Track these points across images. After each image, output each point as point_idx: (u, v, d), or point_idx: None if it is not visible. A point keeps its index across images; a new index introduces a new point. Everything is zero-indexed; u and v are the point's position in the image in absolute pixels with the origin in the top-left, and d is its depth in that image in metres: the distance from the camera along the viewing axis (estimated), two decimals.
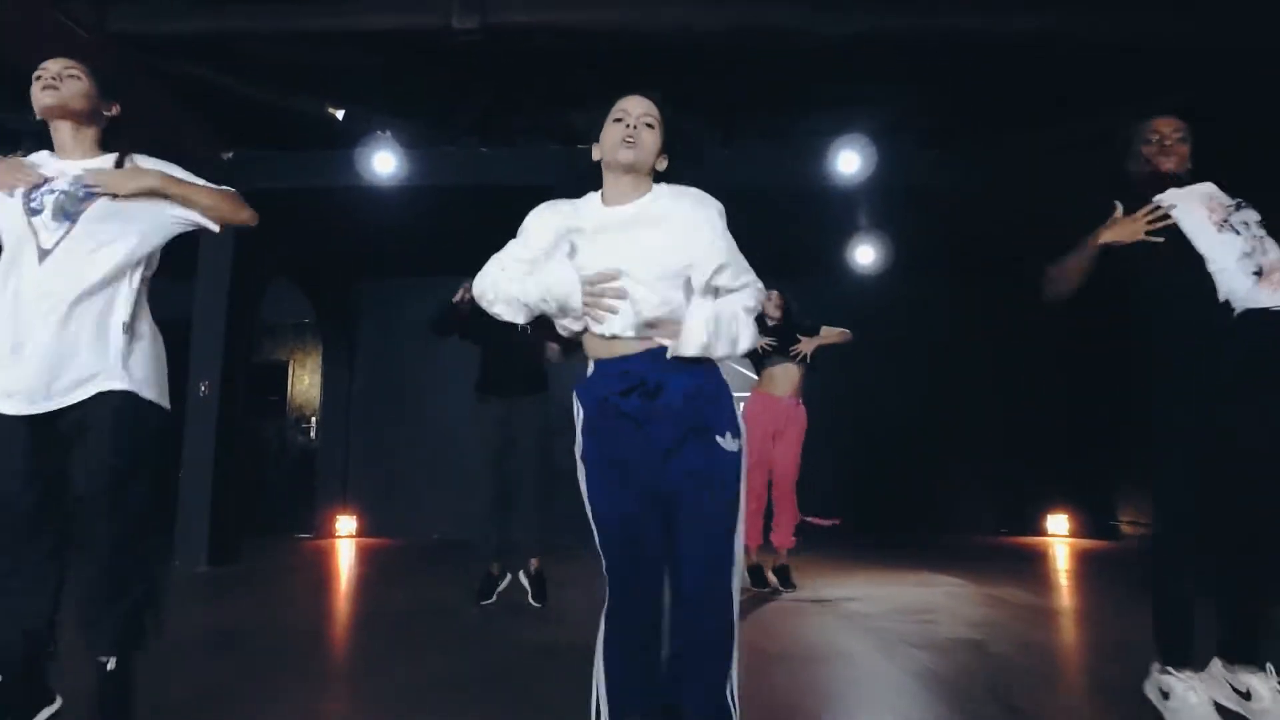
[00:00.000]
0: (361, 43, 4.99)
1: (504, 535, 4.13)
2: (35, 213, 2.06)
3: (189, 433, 5.86)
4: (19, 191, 2.08)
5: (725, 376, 1.79)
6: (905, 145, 6.65)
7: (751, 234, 6.70)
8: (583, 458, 1.78)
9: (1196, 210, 2.35)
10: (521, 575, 4.18)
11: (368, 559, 6.68)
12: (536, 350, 4.08)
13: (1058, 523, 7.98)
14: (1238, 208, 2.37)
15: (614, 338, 1.71)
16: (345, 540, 7.85)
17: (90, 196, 2.09)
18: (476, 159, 6.12)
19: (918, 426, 8.11)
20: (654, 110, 1.84)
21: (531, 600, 4.13)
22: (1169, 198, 2.40)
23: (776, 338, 4.68)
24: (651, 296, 1.69)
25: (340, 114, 5.60)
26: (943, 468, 8.16)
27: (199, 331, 6.00)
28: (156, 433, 2.16)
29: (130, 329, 2.12)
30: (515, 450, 4.08)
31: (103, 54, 4.54)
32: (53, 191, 2.08)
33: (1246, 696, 2.16)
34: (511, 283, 1.82)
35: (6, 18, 4.23)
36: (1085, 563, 6.32)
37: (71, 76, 2.16)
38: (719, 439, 1.69)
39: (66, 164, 2.14)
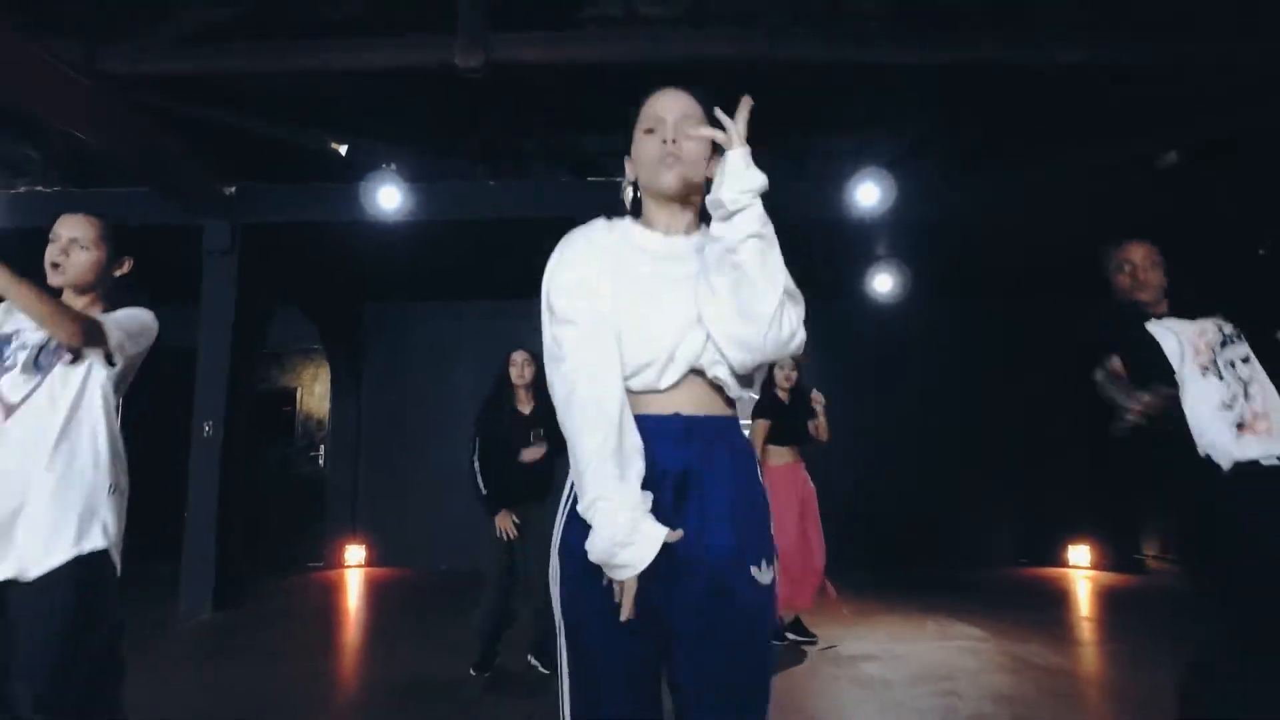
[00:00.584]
0: (363, 79, 4.87)
1: (496, 643, 3.97)
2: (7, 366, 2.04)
3: (193, 472, 5.76)
4: None
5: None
6: (925, 171, 6.47)
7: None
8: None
9: (1180, 348, 2.33)
10: (531, 656, 4.03)
11: (375, 597, 6.57)
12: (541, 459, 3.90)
13: (1079, 554, 7.75)
14: (1225, 344, 2.26)
15: None
16: (354, 570, 7.75)
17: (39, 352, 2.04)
18: (484, 192, 5.99)
19: (937, 454, 7.91)
20: (697, 109, 1.44)
21: (535, 663, 4.00)
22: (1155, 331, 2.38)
23: (783, 415, 4.54)
24: None
25: (343, 149, 5.48)
26: (961, 496, 7.96)
27: (204, 363, 5.88)
28: None
29: None
30: (525, 556, 3.89)
31: (93, 91, 4.45)
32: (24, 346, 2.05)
33: None
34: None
35: None
36: (1111, 603, 6.11)
37: (81, 249, 2.15)
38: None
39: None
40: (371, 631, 5.46)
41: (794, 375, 4.64)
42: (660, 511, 1.27)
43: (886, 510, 7.76)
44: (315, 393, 8.62)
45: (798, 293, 1.35)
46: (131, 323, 2.16)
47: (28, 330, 2.06)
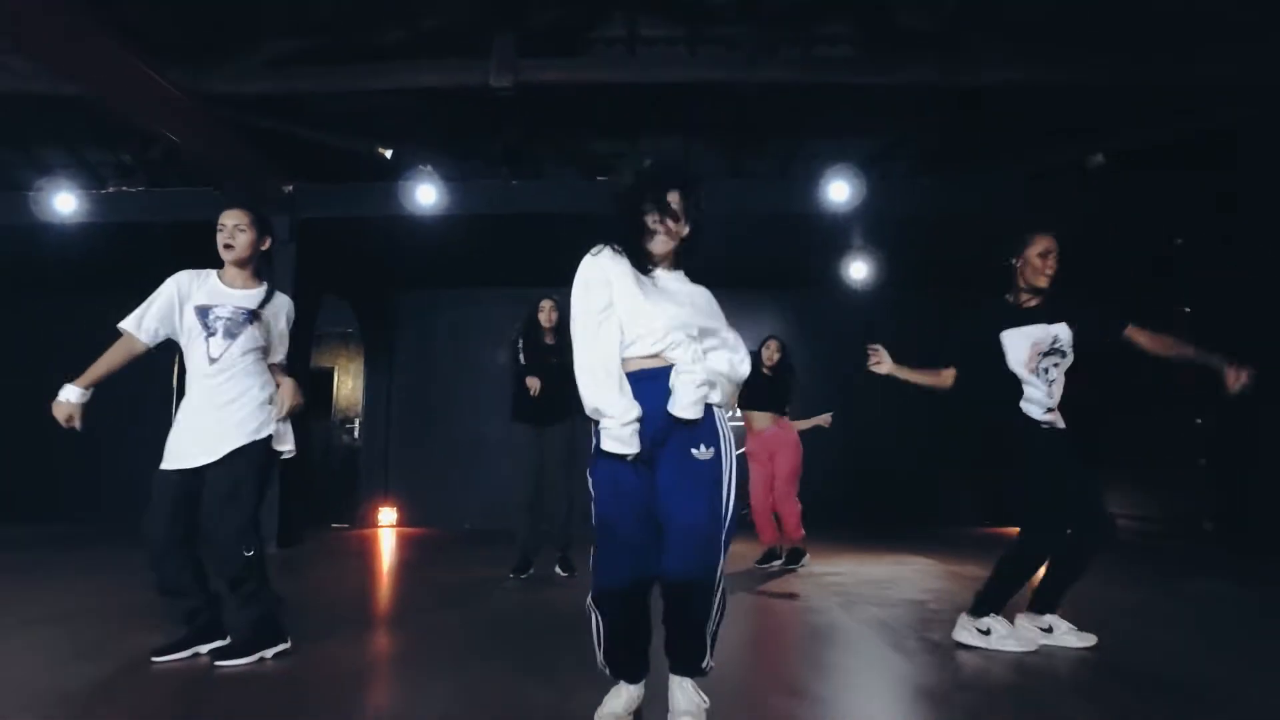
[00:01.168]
0: (411, 96, 5.81)
1: (533, 531, 4.98)
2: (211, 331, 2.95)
3: None
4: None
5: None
6: (894, 172, 7.39)
7: (758, 254, 7.78)
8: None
9: (1021, 350, 3.11)
10: (557, 567, 5.01)
11: (412, 543, 7.49)
12: (561, 385, 4.70)
13: None
14: (1049, 354, 3.08)
15: None
16: (387, 530, 8.67)
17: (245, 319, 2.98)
18: (507, 190, 6.91)
19: (909, 430, 8.79)
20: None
21: (559, 570, 4.94)
22: (1006, 337, 3.15)
23: (771, 386, 5.41)
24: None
25: (389, 153, 6.41)
26: (931, 467, 8.85)
27: None
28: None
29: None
30: (545, 467, 4.91)
31: (191, 108, 5.39)
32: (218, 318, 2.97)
33: (1048, 630, 3.11)
34: None
35: (118, 83, 5.07)
36: None
37: (242, 231, 3.02)
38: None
39: (232, 293, 3.00)
40: (417, 559, 6.37)
41: (776, 356, 5.51)
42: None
43: (864, 476, 8.67)
44: (350, 372, 9.55)
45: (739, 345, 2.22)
46: (287, 328, 3.16)
47: (220, 306, 2.97)
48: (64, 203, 6.48)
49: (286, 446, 3.02)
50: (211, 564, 2.90)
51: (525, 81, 5.39)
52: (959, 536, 7.82)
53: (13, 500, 8.63)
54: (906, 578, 4.97)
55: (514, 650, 3.07)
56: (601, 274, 2.19)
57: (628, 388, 2.11)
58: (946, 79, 5.53)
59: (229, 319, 2.95)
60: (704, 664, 2.10)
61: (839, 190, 6.49)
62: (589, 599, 2.16)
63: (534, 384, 4.81)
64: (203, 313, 2.95)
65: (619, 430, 2.06)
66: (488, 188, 6.94)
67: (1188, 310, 6.74)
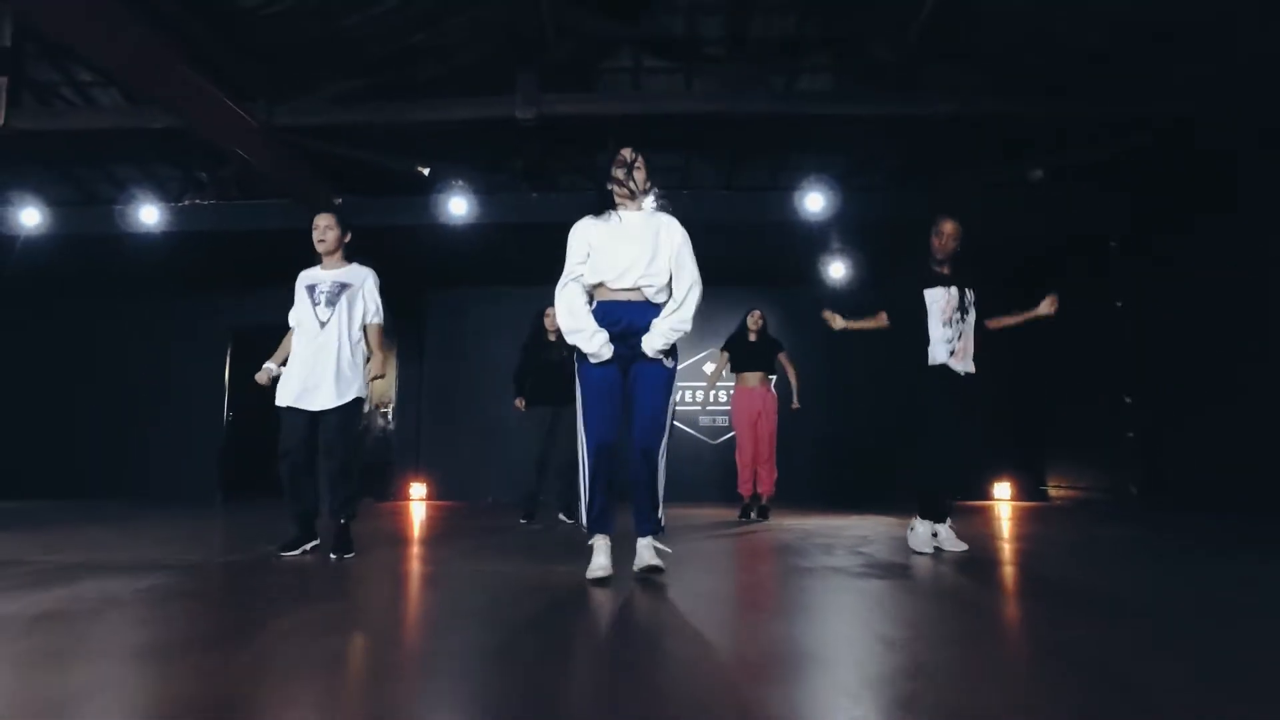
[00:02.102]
0: (447, 125, 6.84)
1: (539, 491, 6.17)
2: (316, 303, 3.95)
3: None
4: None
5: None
6: (874, 183, 8.38)
7: (749, 257, 9.07)
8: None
9: (938, 303, 4.11)
10: (561, 515, 6.12)
11: (441, 513, 8.53)
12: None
13: (1002, 489, 9.62)
14: (959, 307, 4.09)
15: None
16: (418, 503, 9.71)
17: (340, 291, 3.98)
18: (527, 202, 7.94)
19: (885, 413, 9.76)
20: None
21: (563, 517, 6.09)
22: (930, 295, 4.14)
23: (757, 348, 6.41)
24: None
25: (426, 171, 7.44)
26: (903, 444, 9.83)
27: None
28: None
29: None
30: (555, 442, 6.06)
31: (264, 135, 6.44)
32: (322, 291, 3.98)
33: (935, 536, 4.15)
34: None
35: (206, 115, 6.11)
36: (1001, 515, 7.99)
37: (330, 229, 4.02)
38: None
39: (328, 273, 4.01)
40: (443, 525, 7.39)
41: (761, 321, 6.49)
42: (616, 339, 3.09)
43: (843, 455, 9.66)
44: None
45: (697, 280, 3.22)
46: (376, 290, 4.15)
47: (323, 283, 3.99)
48: (148, 215, 7.54)
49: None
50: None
51: (546, 114, 6.41)
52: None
53: (88, 479, 9.72)
54: (863, 529, 5.96)
55: (520, 553, 4.10)
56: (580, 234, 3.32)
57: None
58: (907, 110, 6.53)
59: (329, 292, 3.96)
60: (659, 518, 3.10)
61: (814, 201, 7.49)
62: (581, 460, 3.10)
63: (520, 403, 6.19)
64: (310, 290, 3.99)
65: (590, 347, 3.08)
66: (510, 200, 7.97)
67: (1119, 305, 7.71)
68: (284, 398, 3.94)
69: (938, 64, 6.60)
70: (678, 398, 3.25)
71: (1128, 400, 7.68)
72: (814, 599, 2.90)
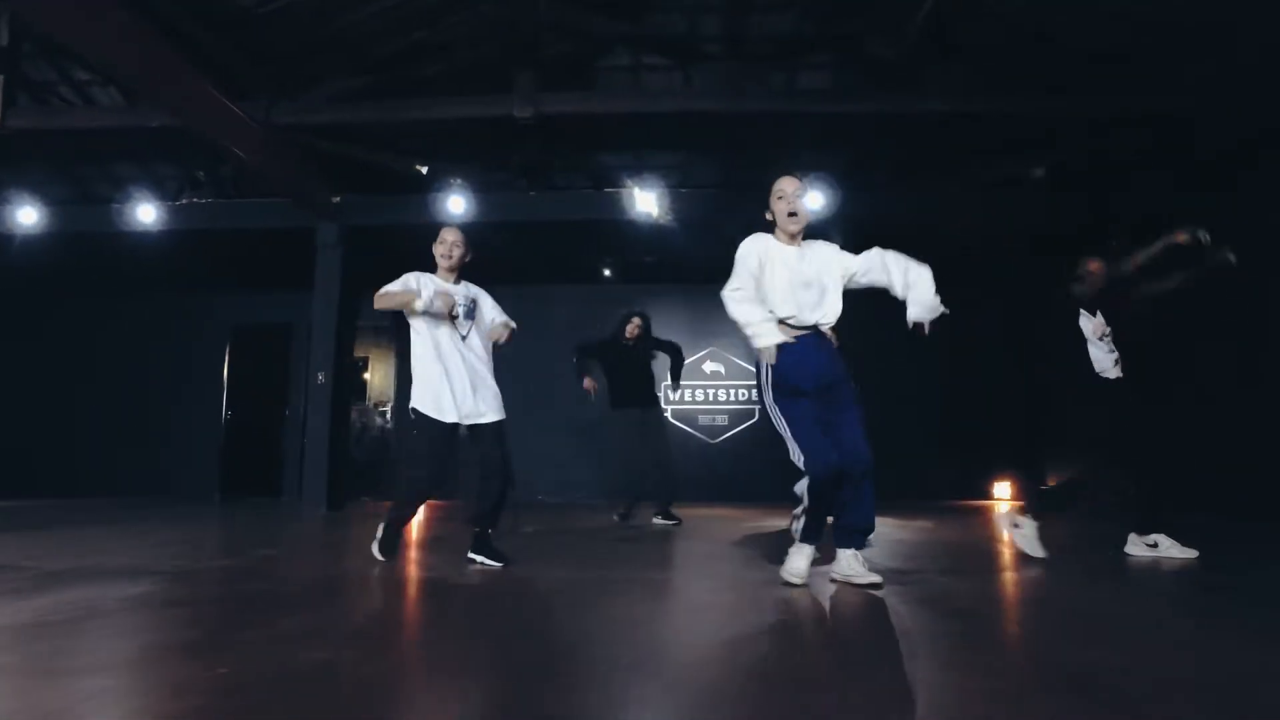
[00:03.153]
0: (446, 124, 6.81)
1: (639, 490, 6.29)
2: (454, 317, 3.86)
3: (311, 411, 7.73)
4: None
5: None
6: (875, 180, 8.33)
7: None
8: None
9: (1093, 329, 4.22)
10: (657, 519, 6.20)
11: (442, 512, 8.52)
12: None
13: (1002, 489, 9.60)
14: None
15: None
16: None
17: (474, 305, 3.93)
18: (525, 200, 7.92)
19: (888, 413, 9.74)
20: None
21: (665, 522, 6.14)
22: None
23: None
24: None
25: (425, 170, 7.41)
26: (908, 446, 9.80)
27: (317, 329, 7.86)
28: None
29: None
30: (649, 441, 6.19)
31: (264, 135, 6.42)
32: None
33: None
34: None
35: (205, 114, 6.08)
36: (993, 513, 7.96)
37: (458, 247, 3.95)
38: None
39: (450, 287, 3.90)
40: (442, 527, 7.39)
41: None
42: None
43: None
44: (383, 361, 10.59)
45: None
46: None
47: (455, 294, 3.88)
48: (145, 213, 7.52)
49: None
50: None
51: (544, 113, 6.38)
52: (925, 509, 8.78)
53: (87, 478, 9.72)
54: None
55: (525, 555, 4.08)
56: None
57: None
58: (903, 108, 6.50)
59: (464, 305, 3.89)
60: (868, 537, 3.20)
61: (813, 200, 7.45)
62: (805, 489, 3.13)
63: (590, 384, 6.28)
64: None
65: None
66: (508, 198, 7.94)
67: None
68: (440, 412, 3.83)
69: (936, 62, 6.57)
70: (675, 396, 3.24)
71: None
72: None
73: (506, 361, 9.52)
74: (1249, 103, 6.01)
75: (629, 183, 7.51)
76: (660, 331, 10.21)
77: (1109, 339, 4.19)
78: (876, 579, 3.08)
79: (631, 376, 6.24)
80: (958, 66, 6.67)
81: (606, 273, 9.59)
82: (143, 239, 7.97)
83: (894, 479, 9.82)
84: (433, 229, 8.00)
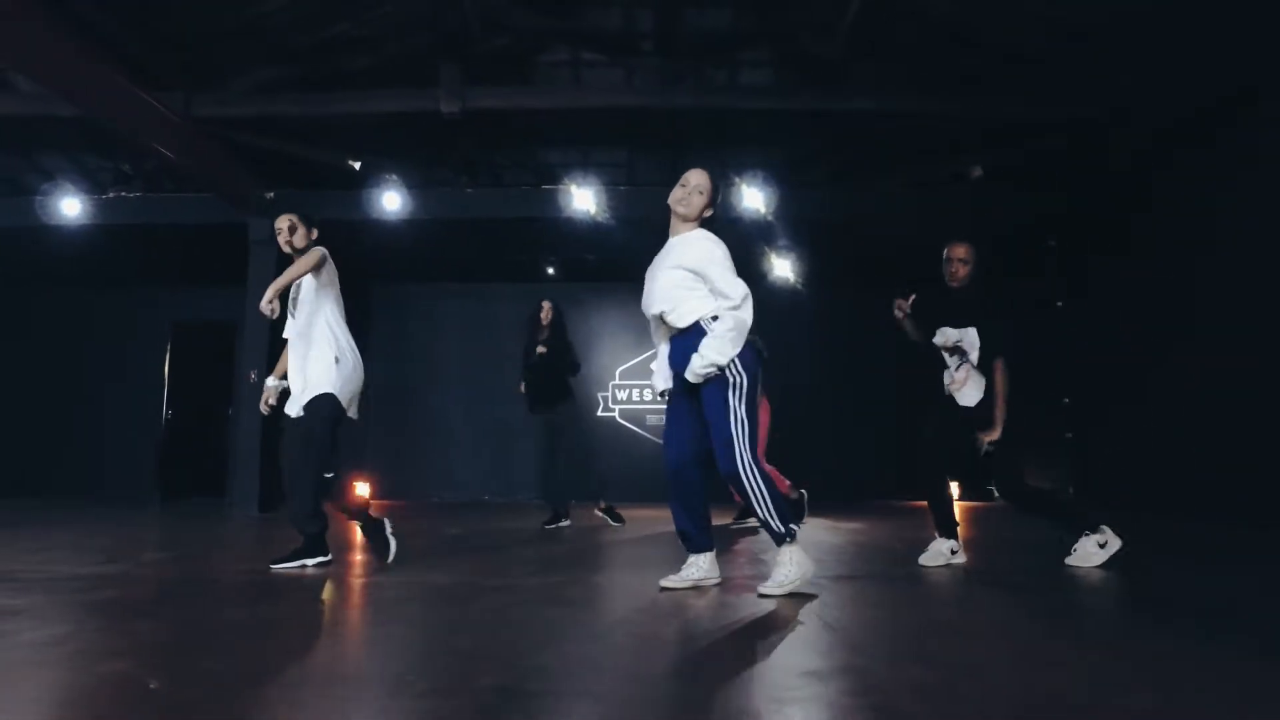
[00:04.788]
0: (374, 117, 6.69)
1: (553, 491, 6.14)
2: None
3: (242, 410, 7.57)
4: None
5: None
6: (815, 178, 8.30)
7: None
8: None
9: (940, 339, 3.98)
10: (597, 511, 6.19)
11: (395, 511, 8.38)
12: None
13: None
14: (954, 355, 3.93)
15: None
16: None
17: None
18: (463, 197, 7.80)
19: (836, 413, 9.73)
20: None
21: (613, 523, 6.04)
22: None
23: None
24: None
25: (357, 165, 7.28)
26: (859, 446, 9.80)
27: (249, 327, 7.71)
28: None
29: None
30: (561, 441, 6.06)
31: (185, 128, 6.26)
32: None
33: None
34: None
35: (119, 107, 5.92)
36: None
37: (294, 229, 3.83)
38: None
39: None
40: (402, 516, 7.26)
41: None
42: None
43: (803, 461, 9.59)
44: None
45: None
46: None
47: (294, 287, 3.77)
48: (70, 207, 7.33)
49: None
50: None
51: (472, 108, 6.28)
52: (874, 508, 8.77)
53: (19, 478, 9.49)
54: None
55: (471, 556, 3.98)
56: None
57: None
58: (830, 105, 6.47)
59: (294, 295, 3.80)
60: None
61: (752, 197, 7.41)
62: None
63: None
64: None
65: None
66: (445, 194, 7.83)
67: (1059, 305, 7.70)
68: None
69: (866, 61, 6.54)
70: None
71: (1066, 401, 7.68)
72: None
73: (451, 360, 9.44)
74: (1160, 105, 6.04)
75: (566, 180, 7.41)
76: (608, 329, 10.14)
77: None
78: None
79: (538, 376, 6.08)
80: (886, 66, 6.66)
81: (550, 271, 9.49)
82: (76, 232, 7.77)
83: (844, 481, 9.91)
84: (368, 225, 7.96)
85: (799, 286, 8.80)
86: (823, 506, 7.67)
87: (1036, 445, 8.22)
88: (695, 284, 2.99)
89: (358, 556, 4.30)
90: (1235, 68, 5.37)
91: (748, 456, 2.94)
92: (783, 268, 8.64)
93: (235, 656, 2.08)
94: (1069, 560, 3.71)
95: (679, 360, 3.04)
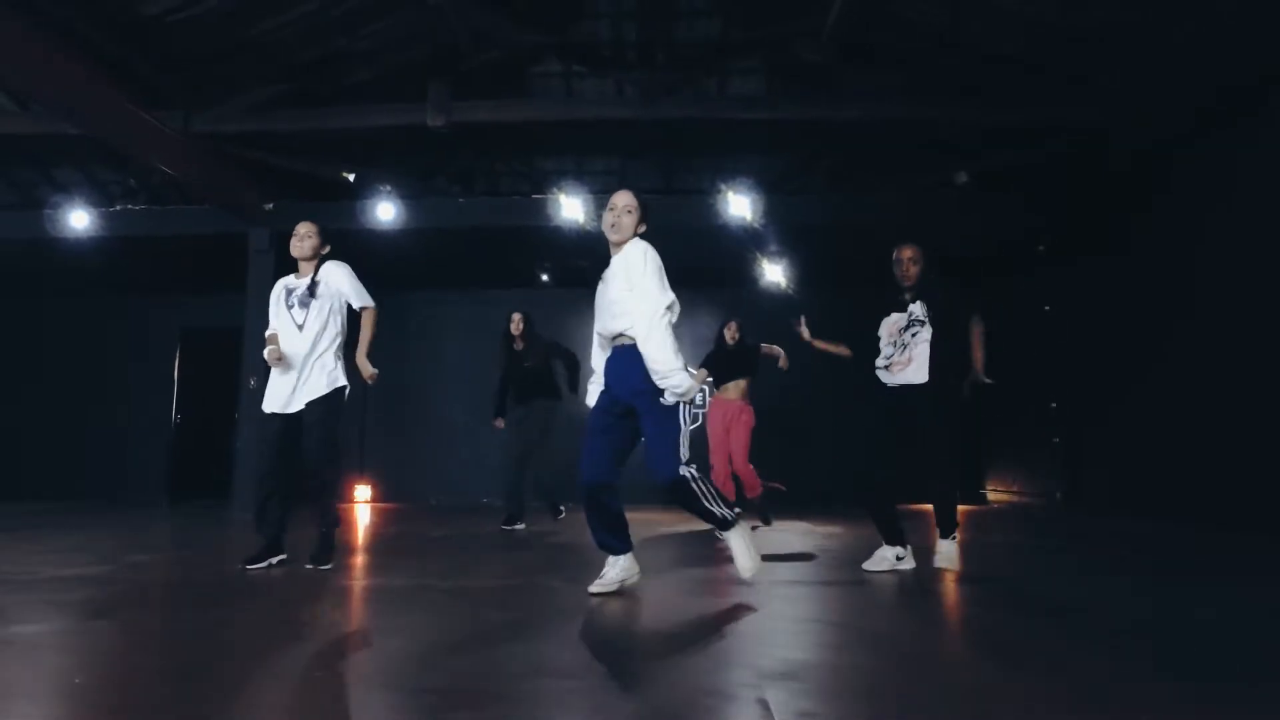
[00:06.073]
0: (366, 132, 6.87)
1: (518, 493, 6.24)
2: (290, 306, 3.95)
3: (242, 413, 7.78)
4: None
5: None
6: (811, 185, 8.37)
7: (693, 262, 8.86)
8: None
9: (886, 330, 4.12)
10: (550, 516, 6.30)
11: (390, 514, 8.58)
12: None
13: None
14: (907, 328, 4.05)
15: None
16: (363, 504, 9.77)
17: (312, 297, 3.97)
18: (456, 206, 7.97)
19: (832, 415, 9.79)
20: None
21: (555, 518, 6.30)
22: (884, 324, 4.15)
23: (736, 355, 6.28)
24: None
25: (351, 177, 7.47)
26: (853, 449, 9.83)
27: (249, 339, 7.92)
28: None
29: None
30: (534, 440, 6.19)
31: (186, 144, 6.48)
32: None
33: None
34: None
35: (120, 126, 6.13)
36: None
37: (309, 238, 4.02)
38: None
39: (303, 280, 4.00)
40: (395, 519, 7.44)
41: (737, 335, 6.34)
42: None
43: (796, 461, 9.67)
44: None
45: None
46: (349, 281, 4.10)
47: (298, 288, 4.01)
48: (78, 219, 7.58)
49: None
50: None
51: (458, 122, 6.44)
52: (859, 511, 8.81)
53: (35, 482, 9.80)
54: (778, 539, 6.01)
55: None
56: None
57: None
58: (820, 113, 6.55)
59: (301, 295, 4.01)
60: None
61: (739, 205, 7.51)
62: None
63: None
64: (288, 293, 4.05)
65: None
66: (438, 204, 8.00)
67: (1047, 309, 7.73)
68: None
69: (855, 68, 6.62)
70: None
71: (1054, 405, 7.71)
72: None
73: (450, 365, 9.60)
74: (1158, 112, 6.06)
75: (555, 190, 7.55)
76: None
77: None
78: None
79: (516, 379, 6.24)
80: (875, 73, 6.74)
81: (545, 278, 9.65)
82: (89, 244, 8.03)
83: (840, 483, 9.90)
84: (370, 236, 8.14)
85: (790, 291, 8.87)
86: (810, 511, 7.75)
87: (1028, 450, 8.27)
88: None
89: (359, 559, 4.46)
90: (1235, 68, 5.33)
91: (686, 458, 3.12)
92: (774, 272, 8.72)
93: (171, 657, 2.23)
94: (865, 565, 4.02)
95: (620, 373, 3.16)
